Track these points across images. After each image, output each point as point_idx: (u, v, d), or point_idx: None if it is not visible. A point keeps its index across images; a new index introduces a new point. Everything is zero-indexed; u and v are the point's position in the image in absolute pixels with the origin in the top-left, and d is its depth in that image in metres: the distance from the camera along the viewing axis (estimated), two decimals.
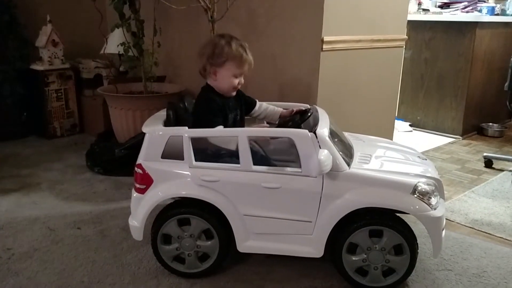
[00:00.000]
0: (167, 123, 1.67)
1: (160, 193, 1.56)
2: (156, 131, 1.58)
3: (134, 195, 1.62)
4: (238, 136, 1.49)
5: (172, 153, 1.55)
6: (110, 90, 2.82)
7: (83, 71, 3.36)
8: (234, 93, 1.75)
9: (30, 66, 3.22)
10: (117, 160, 2.58)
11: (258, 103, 1.86)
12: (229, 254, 1.63)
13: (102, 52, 2.92)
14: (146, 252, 1.76)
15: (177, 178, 1.55)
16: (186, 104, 1.77)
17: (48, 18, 3.10)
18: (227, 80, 1.69)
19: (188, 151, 1.53)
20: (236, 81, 1.70)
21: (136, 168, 1.59)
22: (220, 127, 1.62)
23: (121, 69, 3.26)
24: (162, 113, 1.75)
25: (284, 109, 1.88)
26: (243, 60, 1.67)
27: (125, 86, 2.91)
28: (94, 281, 1.61)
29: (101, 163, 2.63)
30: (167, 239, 1.61)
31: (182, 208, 1.58)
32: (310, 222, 1.52)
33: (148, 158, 1.58)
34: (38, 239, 1.89)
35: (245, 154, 1.49)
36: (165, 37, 2.82)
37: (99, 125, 3.21)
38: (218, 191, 1.52)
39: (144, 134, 1.60)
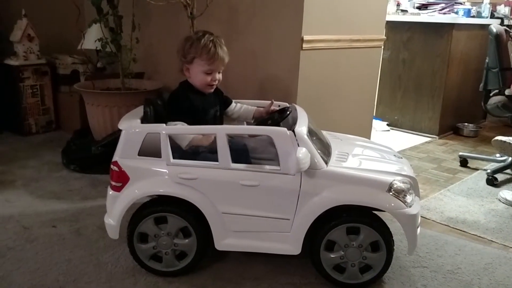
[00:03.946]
0: (144, 120, 1.65)
1: (136, 191, 1.54)
2: (132, 128, 1.56)
3: (110, 193, 1.59)
4: (217, 134, 1.48)
5: (149, 150, 1.53)
6: (87, 87, 2.77)
7: (60, 67, 3.30)
8: (211, 90, 1.74)
9: (4, 61, 3.14)
10: (94, 157, 2.54)
11: (233, 103, 1.86)
12: (207, 252, 1.62)
13: (79, 47, 2.87)
14: (123, 251, 1.73)
15: (154, 175, 1.53)
16: (164, 100, 1.75)
17: (23, 12, 3.03)
18: (198, 77, 1.68)
19: (166, 148, 1.51)
20: (209, 78, 1.68)
21: (112, 166, 1.57)
22: (179, 124, 1.59)
23: (99, 65, 3.21)
24: (139, 110, 1.73)
25: (259, 107, 1.88)
26: (210, 56, 1.64)
27: (103, 82, 2.87)
28: (70, 280, 1.58)
29: (78, 161, 2.59)
30: (144, 238, 1.59)
31: (159, 206, 1.56)
32: (288, 219, 1.52)
33: (124, 156, 1.56)
34: (11, 238, 1.84)
35: (223, 152, 1.49)
36: (144, 33, 2.79)
37: (75, 122, 3.15)
38: (196, 189, 1.51)
39: (121, 131, 1.58)
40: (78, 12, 2.62)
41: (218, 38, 1.69)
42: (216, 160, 1.50)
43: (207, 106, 1.70)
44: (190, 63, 1.67)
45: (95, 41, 2.69)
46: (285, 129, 1.48)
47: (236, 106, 1.86)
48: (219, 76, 1.72)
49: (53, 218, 2.02)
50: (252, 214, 1.52)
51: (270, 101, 1.86)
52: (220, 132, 1.48)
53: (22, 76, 3.10)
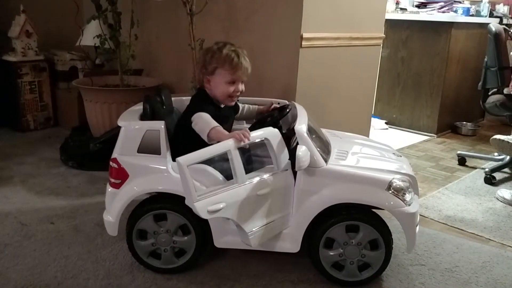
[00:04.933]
0: (143, 117, 1.65)
1: (135, 188, 1.53)
2: (132, 125, 1.56)
3: (109, 190, 1.59)
4: (229, 151, 1.39)
5: (148, 147, 1.53)
6: (86, 83, 2.76)
7: (58, 63, 3.28)
8: (232, 103, 1.67)
9: (2, 57, 3.13)
10: (92, 154, 2.54)
11: (240, 106, 1.84)
12: (206, 250, 1.62)
13: (77, 44, 2.86)
14: (122, 248, 1.73)
15: (153, 172, 1.53)
16: (163, 97, 1.75)
17: (22, 8, 3.02)
18: (220, 88, 1.61)
19: (165, 146, 1.51)
20: (231, 88, 1.61)
21: (111, 163, 1.57)
22: (208, 116, 1.53)
23: (97, 61, 3.20)
24: (139, 107, 1.72)
25: (260, 105, 1.88)
26: (234, 65, 1.58)
27: (101, 79, 2.86)
28: (68, 276, 1.58)
29: (76, 157, 2.58)
30: (143, 235, 1.59)
31: (158, 203, 1.56)
32: (287, 215, 1.52)
33: (123, 153, 1.55)
34: (9, 234, 1.84)
35: (238, 167, 1.40)
36: (143, 29, 2.78)
37: (74, 119, 3.14)
38: None
39: (119, 128, 1.58)
40: (76, 8, 2.61)
41: (241, 48, 1.64)
42: (227, 166, 1.44)
43: (224, 119, 1.62)
44: (212, 74, 1.60)
45: (94, 37, 2.68)
46: (271, 128, 1.49)
47: (240, 108, 1.85)
48: (242, 87, 1.65)
49: (51, 214, 2.02)
50: (263, 223, 1.49)
51: (269, 101, 1.85)
52: (231, 147, 1.39)
53: (20, 72, 3.09)
